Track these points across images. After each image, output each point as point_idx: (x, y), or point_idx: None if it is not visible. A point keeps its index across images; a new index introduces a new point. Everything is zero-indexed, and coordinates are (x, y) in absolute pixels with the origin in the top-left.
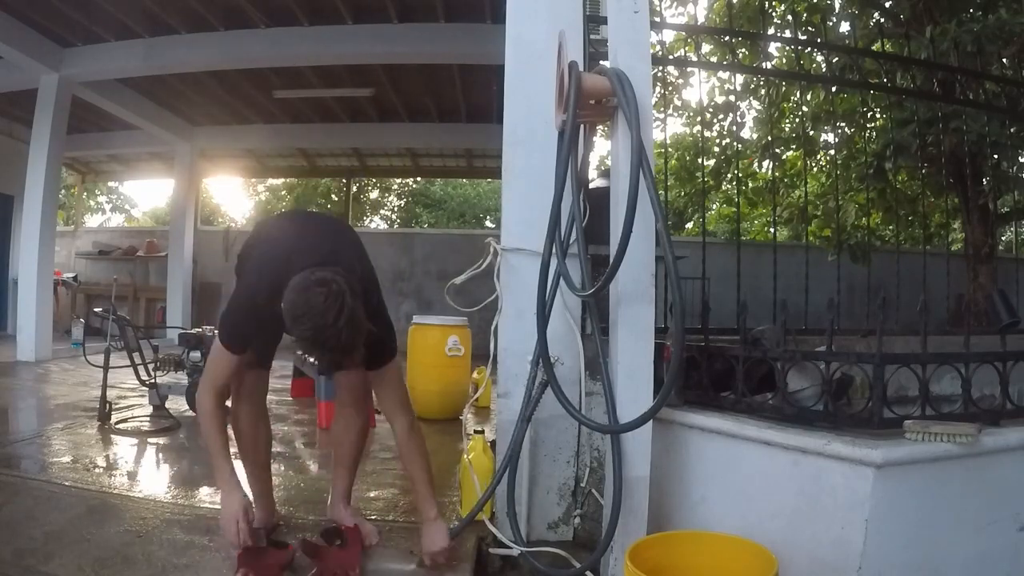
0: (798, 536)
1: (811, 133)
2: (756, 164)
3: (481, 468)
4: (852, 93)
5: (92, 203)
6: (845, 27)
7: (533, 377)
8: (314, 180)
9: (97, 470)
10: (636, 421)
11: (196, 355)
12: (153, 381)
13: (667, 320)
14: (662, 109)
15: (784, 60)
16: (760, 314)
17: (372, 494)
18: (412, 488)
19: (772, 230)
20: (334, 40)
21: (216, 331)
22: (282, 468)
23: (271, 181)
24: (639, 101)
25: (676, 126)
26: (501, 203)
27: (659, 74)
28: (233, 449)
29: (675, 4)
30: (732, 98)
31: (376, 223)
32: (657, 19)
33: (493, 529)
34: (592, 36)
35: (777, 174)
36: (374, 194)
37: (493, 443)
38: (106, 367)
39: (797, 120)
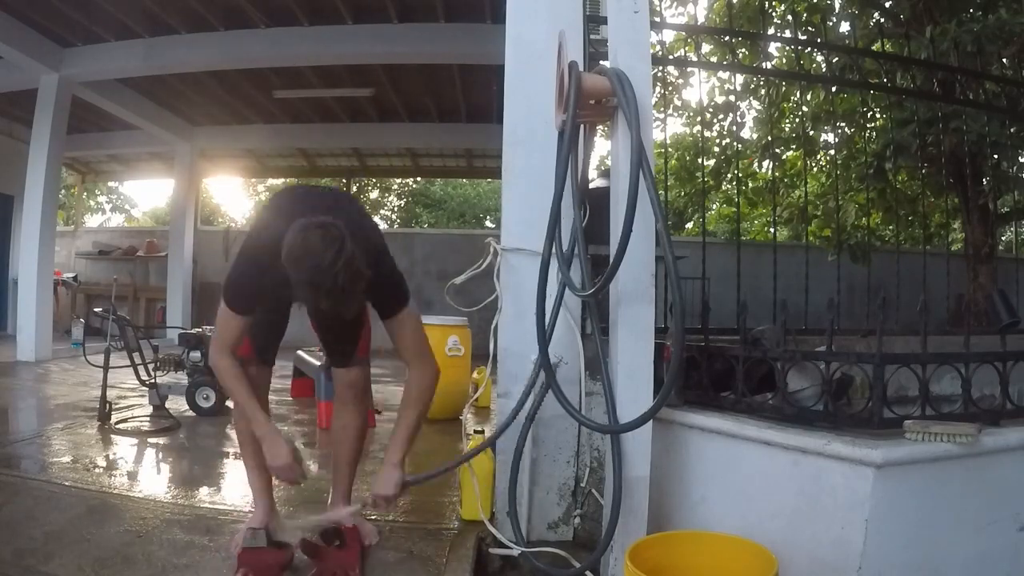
0: (798, 536)
1: (811, 133)
2: (756, 164)
3: (481, 468)
4: (852, 93)
5: (92, 203)
6: (845, 27)
7: (534, 380)
8: (314, 180)
9: (97, 470)
10: (636, 421)
11: (196, 355)
12: (153, 381)
13: (667, 320)
14: (662, 109)
15: (784, 60)
16: (760, 314)
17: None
18: (394, 429)
19: (772, 230)
20: (334, 40)
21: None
22: None
23: (271, 181)
24: (639, 101)
25: (676, 126)
26: (501, 203)
27: (659, 74)
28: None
29: (675, 4)
30: (732, 98)
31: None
32: (657, 19)
33: (493, 529)
34: (592, 36)
35: (777, 174)
36: (374, 194)
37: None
38: (106, 367)
39: (797, 120)
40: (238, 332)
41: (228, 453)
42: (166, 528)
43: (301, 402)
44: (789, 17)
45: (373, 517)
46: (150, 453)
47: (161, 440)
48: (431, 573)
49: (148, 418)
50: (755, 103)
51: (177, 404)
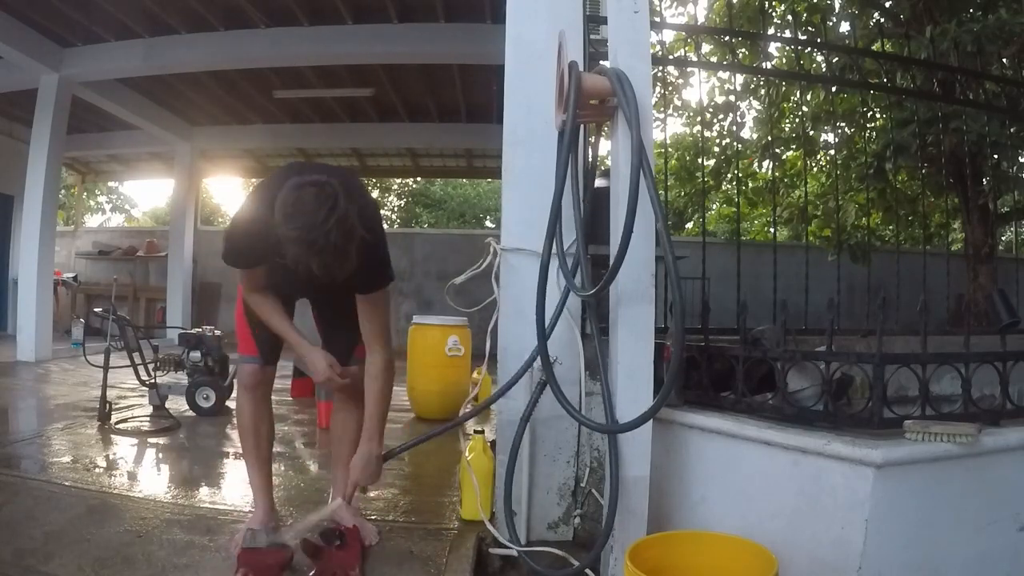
0: (798, 536)
1: (811, 133)
2: (756, 164)
3: (481, 468)
4: (852, 93)
5: (92, 203)
6: (845, 27)
7: (522, 372)
8: None
9: (97, 470)
10: (636, 421)
11: (196, 355)
12: (153, 381)
13: (667, 320)
14: (662, 109)
15: (784, 60)
16: (760, 314)
17: (372, 494)
18: (365, 420)
19: (772, 230)
20: (334, 40)
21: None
22: (282, 468)
23: None
24: (639, 101)
25: (676, 126)
26: (501, 203)
27: (659, 74)
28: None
29: (675, 4)
30: (732, 98)
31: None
32: (657, 19)
33: (492, 529)
34: (592, 36)
35: (777, 174)
36: (374, 194)
37: (493, 443)
38: (106, 367)
39: (797, 120)
40: (256, 277)
41: (228, 453)
42: (166, 528)
43: (301, 402)
44: (789, 17)
45: (373, 517)
46: (150, 453)
47: (161, 440)
48: (431, 573)
49: (148, 418)
50: (755, 103)
51: (177, 404)
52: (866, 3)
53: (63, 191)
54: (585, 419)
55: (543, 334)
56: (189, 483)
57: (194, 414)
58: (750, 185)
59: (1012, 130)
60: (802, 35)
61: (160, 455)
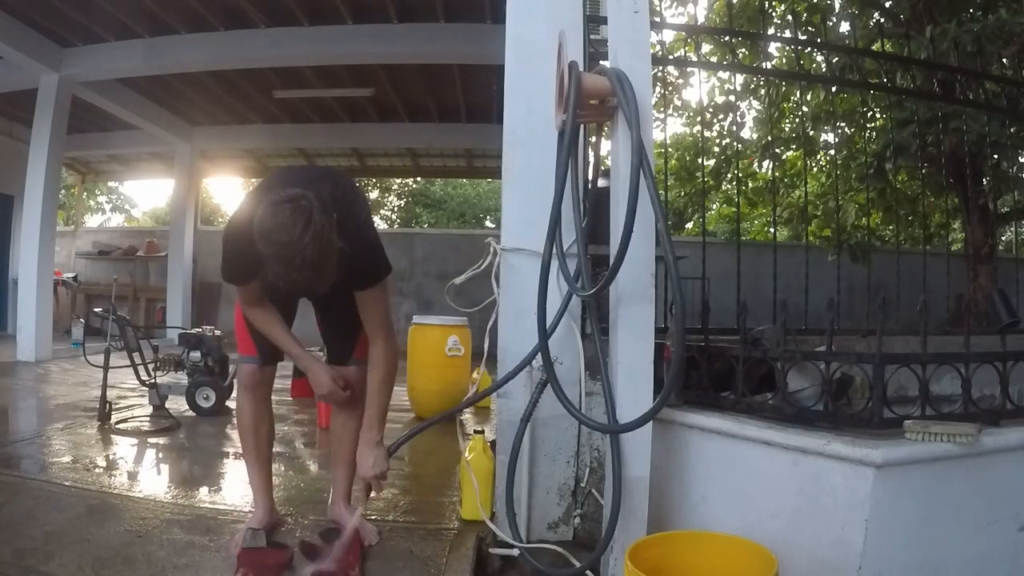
0: (798, 536)
1: (811, 133)
2: (756, 164)
3: (481, 468)
4: (852, 93)
5: (92, 203)
6: (845, 27)
7: (522, 367)
8: None
9: (97, 470)
10: (636, 421)
11: (196, 355)
12: (153, 381)
13: (667, 320)
14: (662, 109)
15: (784, 60)
16: (760, 314)
17: (372, 494)
18: (365, 409)
19: (772, 230)
20: (334, 40)
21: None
22: (282, 468)
23: None
24: (639, 101)
25: (676, 126)
26: (501, 203)
27: (659, 74)
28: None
29: (675, 4)
30: (732, 98)
31: (376, 223)
32: (657, 19)
33: (493, 528)
34: (592, 36)
35: (777, 174)
36: (374, 194)
37: (493, 443)
38: (106, 367)
39: (797, 120)
40: (253, 292)
41: (228, 453)
42: (166, 528)
43: (301, 402)
44: (789, 17)
45: (373, 517)
46: (150, 453)
47: (161, 440)
48: (431, 573)
49: (148, 418)
50: (755, 103)
51: (177, 404)
52: (866, 3)
53: (63, 191)
54: (586, 419)
55: (544, 334)
56: (189, 483)
57: (194, 414)
58: (750, 185)
59: (1012, 130)
60: (802, 35)
61: (160, 455)
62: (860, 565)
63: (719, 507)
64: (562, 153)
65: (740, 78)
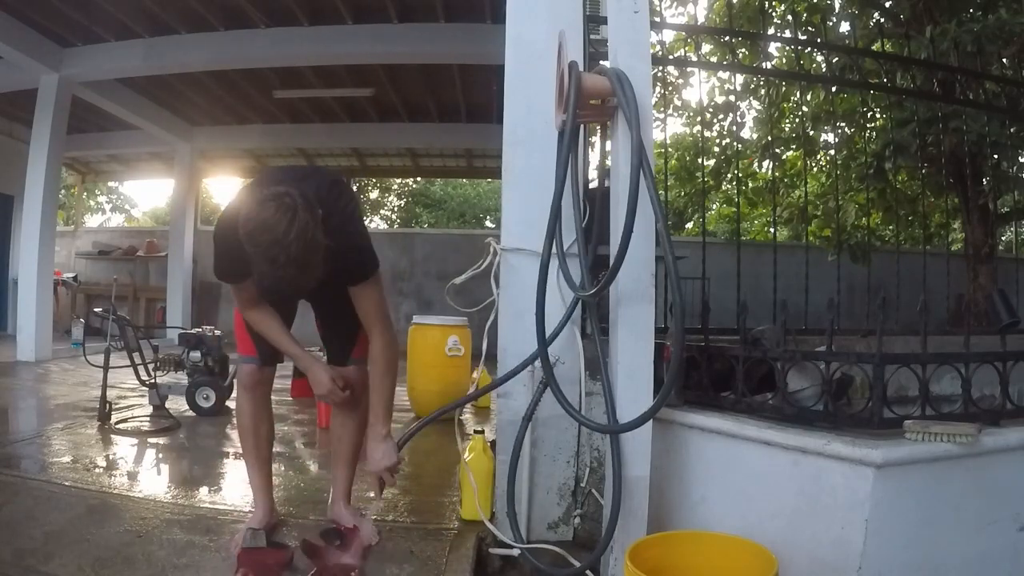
0: (798, 536)
1: (811, 133)
2: (756, 164)
3: (481, 468)
4: (852, 93)
5: (92, 203)
6: (845, 27)
7: (524, 366)
8: None
9: (97, 470)
10: (636, 421)
11: (196, 355)
12: (153, 381)
13: (667, 320)
14: (662, 109)
15: (784, 60)
16: (760, 314)
17: (372, 494)
18: (372, 404)
19: (772, 230)
20: (334, 40)
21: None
22: (282, 468)
23: None
24: (639, 101)
25: (676, 126)
26: (501, 203)
27: (659, 74)
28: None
29: (675, 4)
30: (732, 98)
31: (376, 223)
32: (657, 19)
33: (493, 529)
34: (592, 36)
35: (777, 174)
36: (374, 194)
37: (493, 443)
38: (106, 367)
39: (797, 120)
40: (249, 292)
41: (228, 453)
42: (166, 528)
43: (301, 402)
44: (789, 17)
45: (373, 517)
46: (150, 453)
47: (161, 440)
48: (431, 573)
49: (148, 418)
50: (755, 103)
51: (177, 404)
52: (866, 3)
53: (63, 191)
54: (586, 419)
55: (543, 334)
56: (189, 483)
57: (194, 414)
58: (750, 185)
59: (1012, 130)
60: (802, 35)
61: (160, 455)
62: (860, 565)
63: (719, 507)
64: (562, 153)
65: (740, 78)
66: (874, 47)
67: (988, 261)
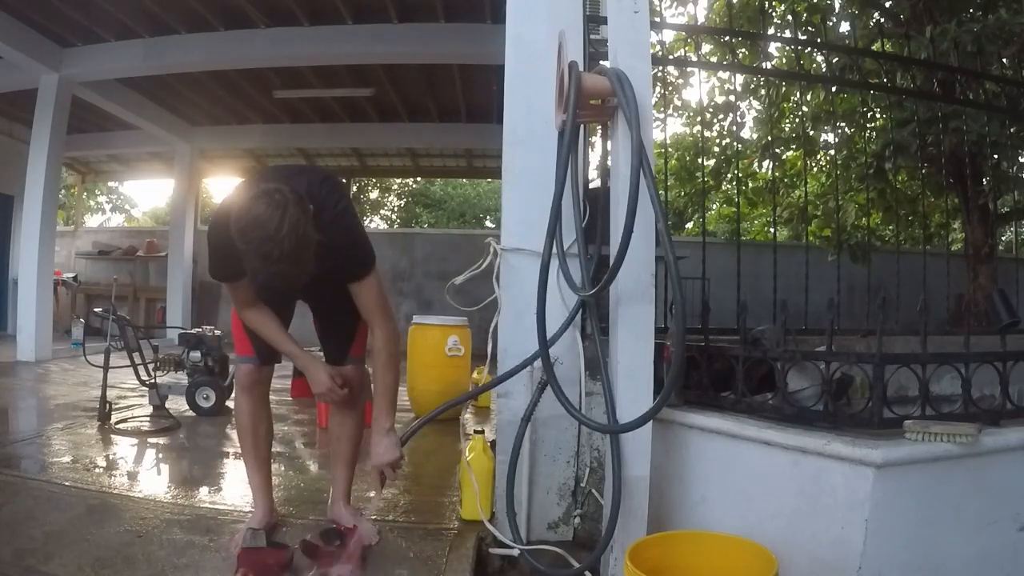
0: (798, 536)
1: (811, 133)
2: (756, 164)
3: (481, 468)
4: (852, 93)
5: (92, 203)
6: (845, 27)
7: (538, 381)
8: None
9: (97, 470)
10: (636, 421)
11: (196, 355)
12: (153, 381)
13: (667, 320)
14: (662, 109)
15: (784, 60)
16: (760, 314)
17: (372, 494)
18: (373, 398)
19: (772, 230)
20: (334, 40)
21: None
22: (282, 468)
23: None
24: (639, 101)
25: (676, 126)
26: (501, 203)
27: (659, 74)
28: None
29: (675, 4)
30: (732, 98)
31: (376, 223)
32: (657, 19)
33: (493, 529)
34: (592, 36)
35: (777, 174)
36: (374, 194)
37: (493, 443)
38: (106, 367)
39: (797, 120)
40: (245, 291)
41: (228, 453)
42: (166, 528)
43: (301, 402)
44: (789, 17)
45: (373, 517)
46: (150, 453)
47: (161, 440)
48: (431, 573)
49: (148, 418)
50: (755, 103)
51: (177, 404)
52: (866, 3)
53: (63, 191)
54: (586, 419)
55: (544, 334)
56: (189, 483)
57: (194, 414)
58: (750, 185)
59: (1012, 130)
60: (802, 35)
61: (160, 455)
62: (860, 565)
63: (719, 507)
64: (562, 153)
65: (740, 78)
66: (874, 47)
67: (988, 261)
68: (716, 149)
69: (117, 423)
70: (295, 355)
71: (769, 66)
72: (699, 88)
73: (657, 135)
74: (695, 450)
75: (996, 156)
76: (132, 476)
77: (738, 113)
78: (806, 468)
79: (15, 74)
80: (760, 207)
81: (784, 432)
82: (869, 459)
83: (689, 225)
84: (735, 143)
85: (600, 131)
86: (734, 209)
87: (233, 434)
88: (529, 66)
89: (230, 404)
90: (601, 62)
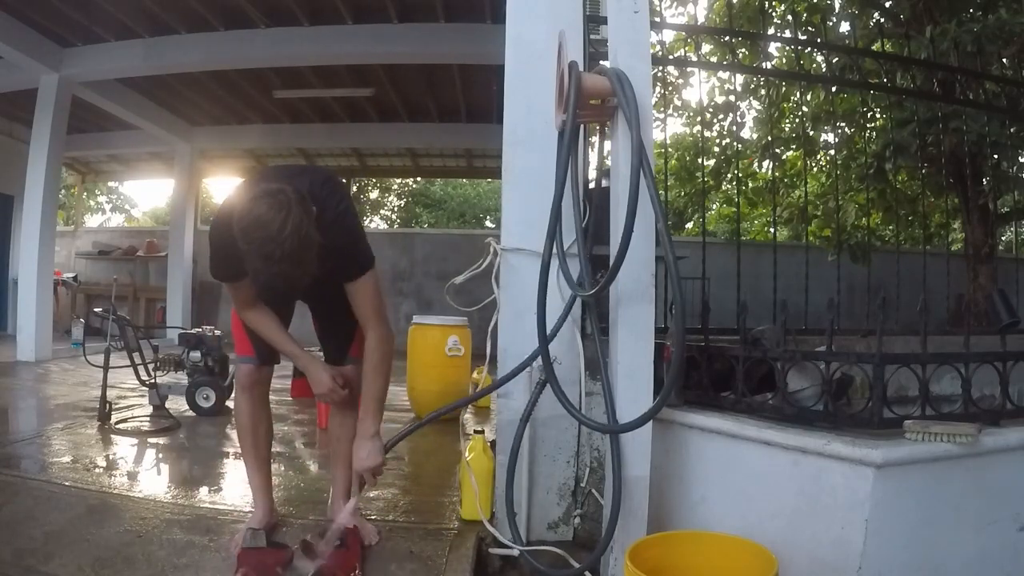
0: (798, 536)
1: (811, 133)
2: (756, 164)
3: (481, 468)
4: (852, 93)
5: (92, 203)
6: (845, 27)
7: (537, 381)
8: None
9: (97, 470)
10: (636, 421)
11: (196, 355)
12: (153, 381)
13: (667, 320)
14: (662, 109)
15: (784, 60)
16: (760, 314)
17: (372, 494)
18: (363, 401)
19: (772, 230)
20: (334, 40)
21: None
22: (282, 468)
23: None
24: (639, 101)
25: (676, 126)
26: (501, 203)
27: (659, 74)
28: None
29: (675, 4)
30: (732, 98)
31: (376, 223)
32: (657, 19)
33: (492, 529)
34: (592, 36)
35: (777, 174)
36: (374, 194)
37: (493, 443)
38: (106, 367)
39: (797, 120)
40: (245, 291)
41: (228, 453)
42: (166, 528)
43: (301, 402)
44: (789, 17)
45: (373, 517)
46: (150, 453)
47: (161, 440)
48: (431, 573)
49: (148, 418)
50: (755, 103)
51: (177, 404)
52: (866, 3)
53: (63, 191)
54: (586, 419)
55: (544, 334)
56: (189, 483)
57: (194, 414)
58: (750, 185)
59: (1012, 130)
60: (802, 35)
61: (160, 455)
62: (860, 565)
63: (719, 507)
64: (562, 153)
65: (740, 78)
66: (874, 47)
67: (988, 261)
68: (716, 149)
69: (117, 423)
70: (296, 356)
71: (769, 66)
72: (699, 88)
73: (657, 135)
74: (695, 450)
75: (996, 156)
76: (132, 476)
77: (738, 113)
78: (806, 468)
79: (15, 74)
80: (760, 207)
81: (784, 432)
82: (869, 459)
83: (689, 225)
84: (735, 143)
85: (598, 131)
86: (734, 209)
87: (233, 434)
88: (529, 66)
89: (230, 404)
90: (601, 62)
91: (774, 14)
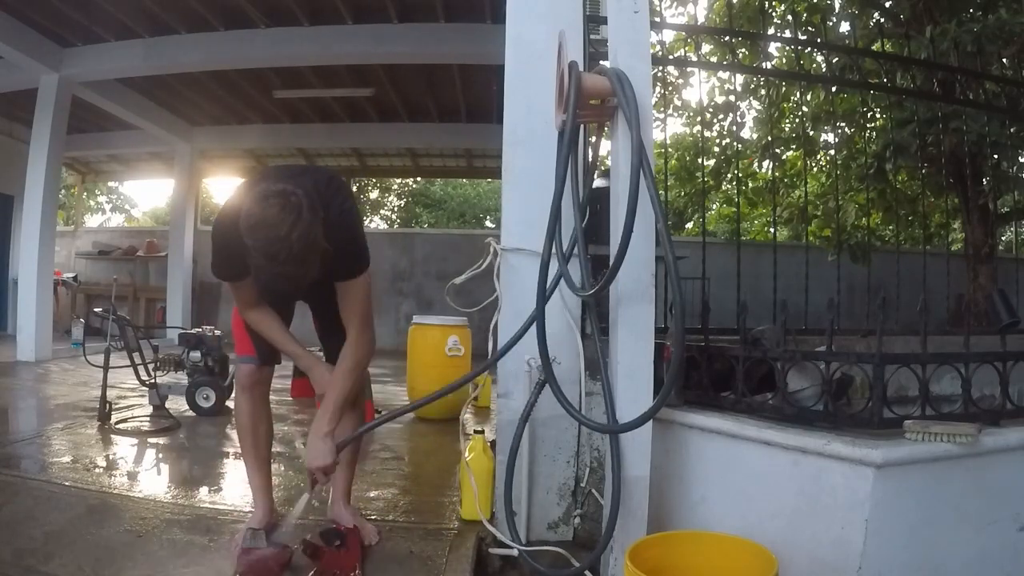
0: (798, 536)
1: (811, 133)
2: (756, 164)
3: (480, 468)
4: (852, 93)
5: (92, 203)
6: (845, 27)
7: (537, 381)
8: None
9: (97, 470)
10: (636, 421)
11: (196, 355)
12: (153, 381)
13: (667, 320)
14: (662, 109)
15: (784, 60)
16: (760, 314)
17: (372, 494)
18: (324, 398)
19: (772, 230)
20: (334, 40)
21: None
22: (282, 468)
23: None
24: (639, 101)
25: (676, 126)
26: (501, 203)
27: (659, 74)
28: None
29: (675, 4)
30: (732, 98)
31: (376, 223)
32: (657, 19)
33: (492, 529)
34: (592, 36)
35: (777, 174)
36: (374, 194)
37: (493, 443)
38: (106, 367)
39: (797, 120)
40: (248, 291)
41: (228, 453)
42: (166, 528)
43: (301, 402)
44: (789, 17)
45: (373, 517)
46: (150, 453)
47: (161, 440)
48: (431, 573)
49: (148, 418)
50: (755, 103)
51: (177, 404)
52: (866, 3)
53: (63, 191)
54: (586, 419)
55: (544, 334)
56: (189, 483)
57: (194, 414)
58: (750, 185)
59: (1012, 130)
60: (802, 35)
61: (160, 455)
62: (860, 565)
63: (719, 507)
64: (562, 153)
65: (740, 78)
66: (874, 47)
67: (988, 261)
68: (716, 149)
69: (117, 423)
70: (297, 355)
71: (769, 66)
72: (699, 88)
73: (657, 135)
74: (695, 450)
75: (996, 156)
76: (132, 476)
77: (738, 113)
78: (806, 468)
79: (15, 74)
80: (760, 207)
81: (784, 432)
82: (869, 459)
83: (689, 225)
84: (735, 143)
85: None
86: (734, 209)
87: (233, 434)
88: (529, 66)
89: (230, 404)
90: (601, 62)
91: (774, 14)
